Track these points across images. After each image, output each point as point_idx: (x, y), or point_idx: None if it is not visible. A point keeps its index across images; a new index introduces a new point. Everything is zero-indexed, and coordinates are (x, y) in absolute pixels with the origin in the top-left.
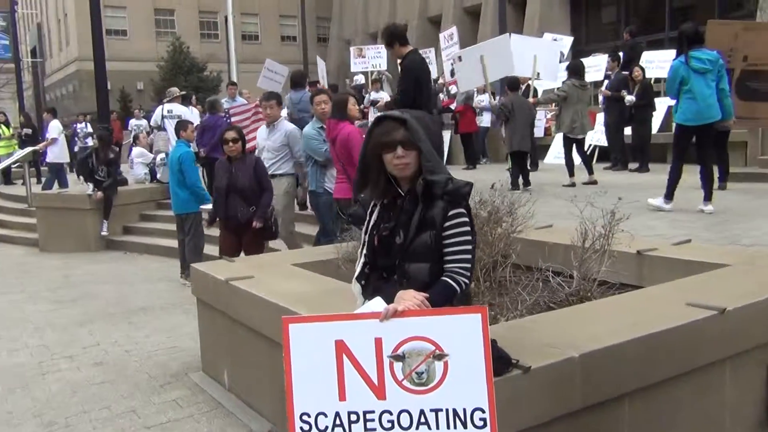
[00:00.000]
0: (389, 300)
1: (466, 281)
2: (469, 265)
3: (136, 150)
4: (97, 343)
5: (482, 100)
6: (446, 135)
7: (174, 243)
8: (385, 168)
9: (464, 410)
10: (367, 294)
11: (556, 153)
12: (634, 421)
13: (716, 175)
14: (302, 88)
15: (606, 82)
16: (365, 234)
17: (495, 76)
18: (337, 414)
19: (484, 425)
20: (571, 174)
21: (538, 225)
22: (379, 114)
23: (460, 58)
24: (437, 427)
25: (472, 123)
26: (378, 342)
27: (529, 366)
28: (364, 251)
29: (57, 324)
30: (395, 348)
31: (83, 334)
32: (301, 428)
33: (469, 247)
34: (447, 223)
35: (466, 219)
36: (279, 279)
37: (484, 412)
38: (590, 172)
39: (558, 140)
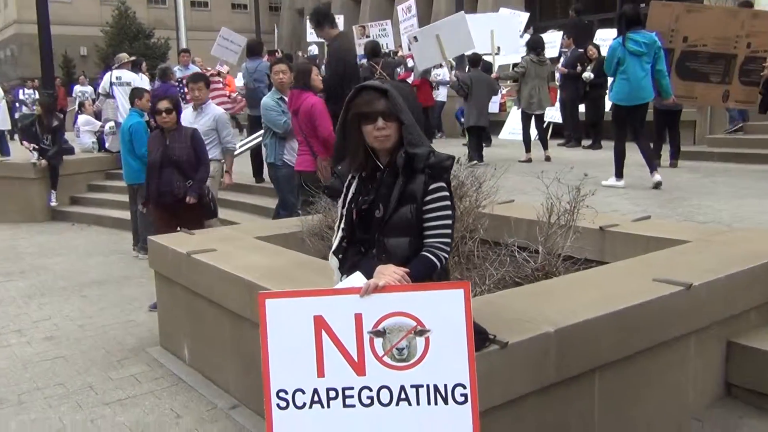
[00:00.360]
0: (368, 275)
1: (446, 256)
2: (449, 240)
3: (82, 118)
4: (48, 317)
5: (439, 74)
6: None
7: (125, 215)
8: (365, 140)
9: (445, 386)
10: (345, 269)
11: (510, 128)
12: (604, 394)
13: (668, 151)
14: (259, 56)
15: (561, 59)
16: (343, 207)
17: (453, 53)
18: (316, 390)
19: (465, 401)
20: (528, 150)
21: (499, 200)
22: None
23: (416, 38)
24: (417, 404)
25: (429, 97)
26: (358, 318)
27: (507, 341)
28: (342, 225)
29: (4, 297)
30: (376, 324)
31: (33, 308)
32: (278, 405)
33: (449, 221)
34: (428, 197)
35: (447, 193)
36: (243, 252)
37: (465, 387)
38: (545, 148)
39: (513, 116)
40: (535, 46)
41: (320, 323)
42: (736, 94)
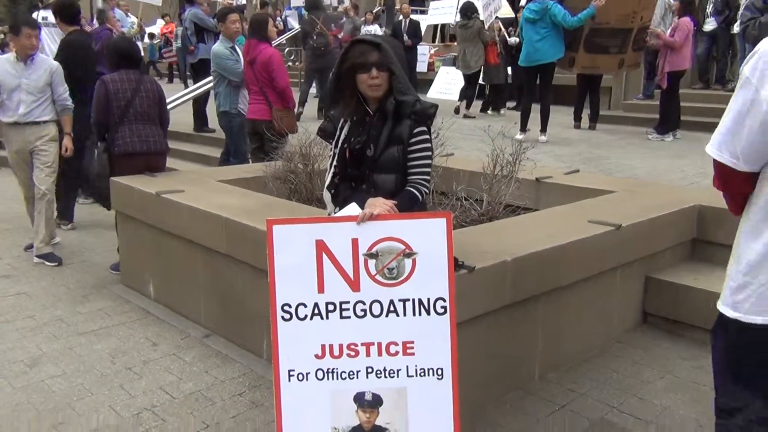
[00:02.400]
0: (360, 206)
1: (426, 191)
2: (429, 177)
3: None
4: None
5: (370, 30)
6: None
7: None
8: (358, 88)
9: (428, 299)
10: (338, 201)
11: (438, 88)
12: (547, 316)
13: (587, 114)
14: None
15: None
16: (336, 147)
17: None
18: (316, 304)
19: (445, 312)
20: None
21: (441, 154)
22: (354, 38)
23: None
24: (404, 314)
25: None
26: (354, 242)
27: (474, 266)
28: (335, 163)
29: None
30: (370, 247)
31: None
32: (282, 317)
33: (429, 161)
34: (412, 140)
35: (428, 137)
36: (211, 193)
37: (445, 301)
38: (467, 107)
39: (441, 75)
40: (463, 11)
41: (321, 246)
42: (628, 60)
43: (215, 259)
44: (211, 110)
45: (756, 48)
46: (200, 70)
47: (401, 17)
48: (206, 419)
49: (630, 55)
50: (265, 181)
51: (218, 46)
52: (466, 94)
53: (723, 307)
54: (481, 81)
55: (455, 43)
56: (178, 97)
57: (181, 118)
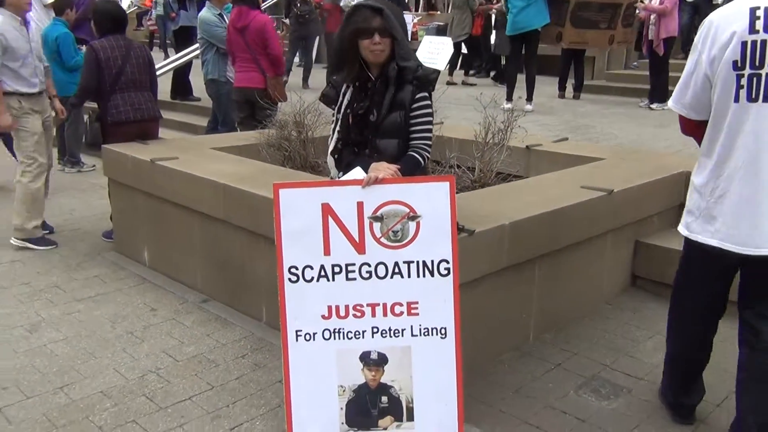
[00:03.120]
0: (364, 170)
1: (428, 155)
2: (430, 142)
3: None
4: None
5: (351, 1)
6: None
7: None
8: (360, 53)
9: (432, 261)
10: (342, 166)
11: (422, 57)
12: (542, 279)
13: (572, 84)
14: None
15: None
16: (338, 113)
17: None
18: (322, 266)
19: (448, 273)
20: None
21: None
22: (356, 3)
23: None
24: (409, 276)
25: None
26: (360, 205)
27: (474, 229)
28: (338, 128)
29: None
30: (375, 210)
31: None
32: (290, 279)
33: (431, 126)
34: (414, 105)
35: (430, 102)
36: (205, 160)
37: (448, 263)
38: (449, 74)
39: (424, 43)
40: None
41: (327, 210)
42: (618, 36)
43: (212, 225)
44: (195, 78)
45: (705, 19)
46: (182, 38)
47: None
48: (211, 380)
49: (620, 31)
50: (258, 148)
51: (206, 13)
52: (452, 60)
53: (680, 228)
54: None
55: (438, 12)
56: (163, 65)
57: (165, 87)
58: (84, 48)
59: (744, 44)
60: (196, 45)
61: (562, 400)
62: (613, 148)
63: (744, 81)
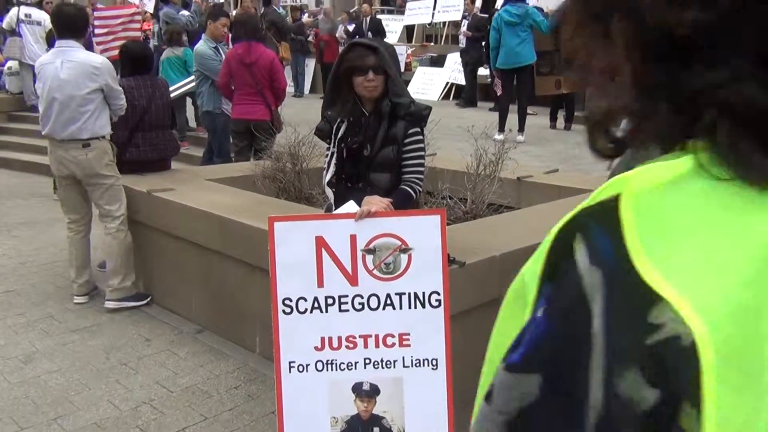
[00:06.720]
0: (357, 204)
1: (420, 189)
2: (422, 176)
3: None
4: None
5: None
6: (311, 63)
7: (34, 158)
8: (354, 90)
9: (423, 293)
10: (335, 199)
11: (416, 88)
12: None
13: (563, 116)
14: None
15: (465, 22)
16: (334, 146)
17: None
18: (316, 298)
19: (439, 305)
20: None
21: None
22: (351, 41)
23: None
24: (400, 308)
25: (336, 53)
26: (353, 238)
27: (465, 261)
28: (333, 161)
29: None
30: (368, 243)
31: None
32: (283, 311)
33: (423, 161)
34: (407, 140)
35: (422, 137)
36: (201, 192)
37: (439, 294)
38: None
39: (418, 75)
40: None
41: (321, 242)
42: (565, 81)
43: (208, 256)
44: (190, 109)
45: None
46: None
47: (362, 17)
48: (204, 412)
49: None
50: (252, 179)
51: (202, 46)
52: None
53: None
54: None
55: (432, 44)
56: None
57: None
58: None
59: None
60: (190, 78)
61: None
62: (603, 180)
63: None
